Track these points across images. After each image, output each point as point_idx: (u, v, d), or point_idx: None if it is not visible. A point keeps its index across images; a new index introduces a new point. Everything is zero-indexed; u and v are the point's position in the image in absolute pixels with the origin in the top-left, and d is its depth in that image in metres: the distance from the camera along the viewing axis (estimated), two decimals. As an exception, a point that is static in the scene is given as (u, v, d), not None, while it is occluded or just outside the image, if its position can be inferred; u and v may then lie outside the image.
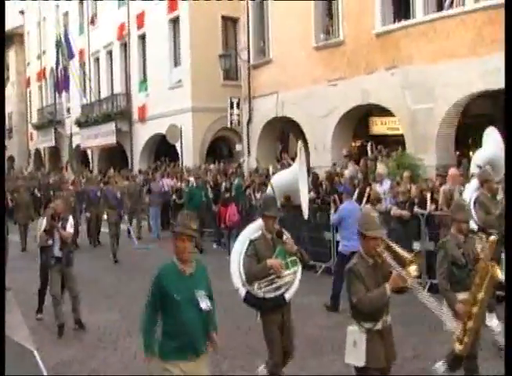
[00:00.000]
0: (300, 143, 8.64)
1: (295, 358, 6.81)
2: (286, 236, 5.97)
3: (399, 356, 6.89)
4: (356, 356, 4.72)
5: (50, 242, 8.31)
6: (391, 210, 10.80)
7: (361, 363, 4.69)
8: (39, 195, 22.84)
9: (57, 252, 8.32)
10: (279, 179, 8.01)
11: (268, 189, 7.79)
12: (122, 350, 7.46)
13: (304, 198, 8.03)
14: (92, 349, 7.50)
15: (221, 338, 7.64)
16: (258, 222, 6.14)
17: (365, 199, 11.42)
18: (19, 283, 11.54)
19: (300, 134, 20.61)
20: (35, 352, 7.33)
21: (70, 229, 8.50)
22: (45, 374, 6.58)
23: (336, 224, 9.94)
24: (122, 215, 15.33)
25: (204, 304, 4.45)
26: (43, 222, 8.55)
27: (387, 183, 11.49)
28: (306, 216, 8.16)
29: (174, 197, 17.51)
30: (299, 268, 5.95)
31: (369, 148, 14.81)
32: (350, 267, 4.73)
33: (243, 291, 5.97)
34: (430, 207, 10.17)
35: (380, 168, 12.11)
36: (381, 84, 15.13)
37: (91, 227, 16.62)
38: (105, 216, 15.19)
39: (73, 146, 35.15)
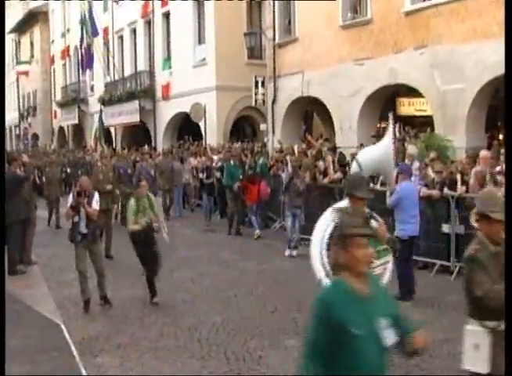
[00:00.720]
0: (391, 115, 7.98)
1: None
2: (378, 221, 5.28)
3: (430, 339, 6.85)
4: (478, 362, 3.98)
5: (76, 219, 8.16)
6: (419, 191, 10.61)
7: (485, 370, 3.96)
8: (69, 172, 22.68)
9: (83, 229, 8.18)
10: (367, 155, 7.37)
11: (354, 167, 7.11)
12: (149, 326, 7.44)
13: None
14: (118, 325, 7.49)
15: (247, 318, 7.71)
16: (341, 205, 5.41)
17: (393, 179, 11.24)
18: (44, 258, 11.64)
19: (325, 114, 20.42)
20: (62, 326, 7.35)
21: (95, 205, 8.37)
22: (73, 347, 6.58)
23: (393, 206, 8.73)
24: (156, 192, 14.54)
25: (390, 339, 3.00)
26: (69, 199, 8.42)
27: (415, 164, 11.27)
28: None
29: (201, 176, 16.72)
30: (391, 258, 5.29)
31: (396, 129, 14.53)
32: (470, 255, 4.04)
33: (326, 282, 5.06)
34: (460, 188, 9.96)
35: (411, 148, 11.87)
36: (410, 63, 14.85)
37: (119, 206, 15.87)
38: None
39: (97, 123, 35.36)
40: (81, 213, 8.16)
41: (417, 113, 17.07)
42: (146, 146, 25.15)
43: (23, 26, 46.92)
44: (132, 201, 8.53)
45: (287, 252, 11.72)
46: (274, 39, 20.06)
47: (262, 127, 21.46)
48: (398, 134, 14.27)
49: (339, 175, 12.57)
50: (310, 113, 22.88)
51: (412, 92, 15.90)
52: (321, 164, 13.19)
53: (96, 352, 6.51)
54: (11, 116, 52.69)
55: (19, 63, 47.48)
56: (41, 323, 7.62)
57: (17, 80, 48.59)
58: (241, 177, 14.45)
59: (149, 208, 8.53)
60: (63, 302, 8.56)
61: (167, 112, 27.11)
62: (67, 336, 6.98)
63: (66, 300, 8.68)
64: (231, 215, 14.51)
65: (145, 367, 6.10)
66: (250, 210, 14.29)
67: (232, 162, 14.81)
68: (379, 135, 15.03)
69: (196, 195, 18.72)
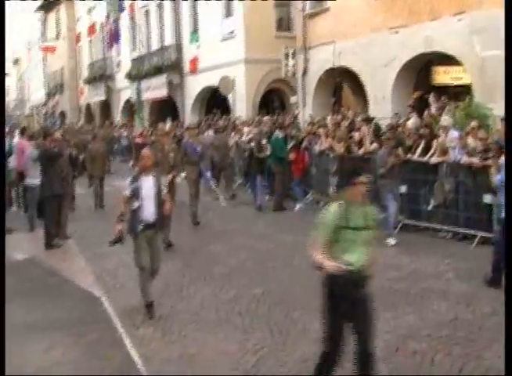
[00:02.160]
0: None
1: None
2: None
3: (477, 311, 6.67)
4: None
5: (137, 204, 6.73)
6: (459, 161, 10.32)
7: None
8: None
9: (148, 216, 6.75)
10: None
11: None
12: (188, 299, 7.37)
13: None
14: (158, 297, 7.41)
15: (288, 290, 7.58)
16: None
17: (431, 151, 10.96)
18: (79, 233, 11.64)
19: (356, 85, 20.02)
20: (102, 299, 7.31)
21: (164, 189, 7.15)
22: (114, 319, 6.54)
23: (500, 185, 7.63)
24: (204, 172, 13.30)
25: None
26: (127, 181, 6.93)
27: (454, 134, 10.94)
28: None
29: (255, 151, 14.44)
30: None
31: (430, 99, 14.15)
32: None
33: None
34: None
35: (446, 120, 11.52)
36: (447, 30, 14.37)
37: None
38: (183, 174, 12.93)
39: (124, 99, 35.32)
40: (143, 197, 6.71)
41: (453, 82, 16.59)
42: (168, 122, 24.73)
43: (50, 4, 46.84)
44: (333, 212, 4.56)
45: (392, 241, 10.05)
46: (304, 9, 19.64)
47: (292, 99, 21.17)
48: (434, 106, 13.90)
49: (375, 146, 12.27)
50: (339, 85, 22.48)
51: (447, 60, 15.43)
52: (356, 134, 12.90)
53: (138, 325, 6.46)
54: (38, 95, 53.05)
55: (45, 40, 47.53)
56: (80, 295, 7.60)
57: (44, 58, 48.71)
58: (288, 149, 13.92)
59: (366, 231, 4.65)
60: (101, 275, 8.52)
61: (194, 86, 26.90)
62: (109, 308, 6.94)
63: (104, 273, 8.64)
64: (278, 189, 14.03)
65: (187, 339, 6.03)
66: (295, 182, 14.07)
67: (279, 134, 14.15)
68: (415, 106, 14.72)
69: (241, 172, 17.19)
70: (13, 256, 9.96)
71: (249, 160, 14.63)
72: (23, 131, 14.28)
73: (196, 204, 12.19)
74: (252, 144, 14.53)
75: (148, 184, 6.78)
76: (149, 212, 6.74)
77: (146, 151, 7.06)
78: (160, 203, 6.85)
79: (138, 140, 14.98)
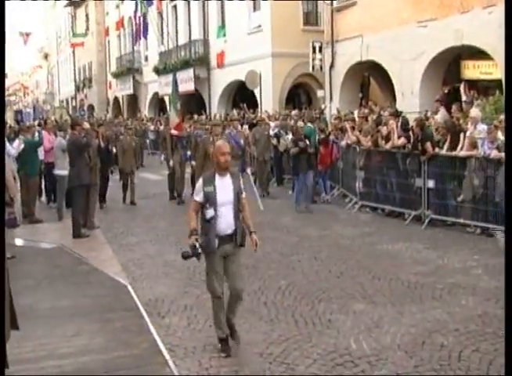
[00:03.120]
0: None
1: (394, 304, 6.58)
2: None
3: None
4: None
5: (211, 213, 5.29)
6: (488, 156, 10.17)
7: None
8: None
9: (224, 228, 5.34)
10: None
11: None
12: (213, 289, 7.36)
13: None
14: (184, 287, 7.45)
15: (313, 282, 7.55)
16: None
17: (460, 145, 10.82)
18: (106, 223, 11.76)
19: (383, 79, 19.87)
20: (129, 287, 7.37)
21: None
22: (141, 307, 6.58)
23: None
24: (245, 166, 13.05)
25: None
26: (198, 186, 5.48)
27: (482, 127, 10.78)
28: None
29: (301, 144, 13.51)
30: None
31: (462, 90, 13.96)
32: None
33: None
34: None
35: (474, 111, 11.37)
36: (477, 24, 14.19)
37: (195, 179, 12.91)
38: None
39: (151, 93, 35.52)
40: (219, 203, 5.30)
41: (482, 77, 16.36)
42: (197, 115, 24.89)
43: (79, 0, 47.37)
44: None
45: None
46: (332, 3, 19.53)
47: (319, 93, 21.09)
48: (463, 95, 13.73)
49: (403, 140, 12.15)
50: (366, 79, 22.34)
51: (477, 54, 15.24)
52: (384, 129, 12.79)
53: (163, 313, 6.48)
54: (67, 88, 53.64)
55: (75, 35, 48.07)
56: (108, 283, 7.66)
57: (73, 53, 49.26)
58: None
59: None
60: (127, 265, 8.58)
61: (221, 80, 26.98)
62: (135, 297, 6.98)
63: (130, 262, 8.71)
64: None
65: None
66: (322, 174, 13.99)
67: (311, 127, 13.85)
68: (443, 100, 14.54)
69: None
70: (42, 245, 10.11)
71: (291, 157, 13.56)
72: (41, 124, 14.36)
73: None
74: (287, 140, 14.32)
75: (225, 187, 5.36)
76: (226, 222, 5.36)
77: (222, 144, 5.57)
78: (239, 209, 5.48)
79: (175, 132, 14.35)
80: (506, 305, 3.49)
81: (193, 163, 13.15)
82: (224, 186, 5.35)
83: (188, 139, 14.51)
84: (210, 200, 5.29)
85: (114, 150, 14.38)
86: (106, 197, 13.88)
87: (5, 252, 3.62)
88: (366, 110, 15.56)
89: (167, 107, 33.61)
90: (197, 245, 5.23)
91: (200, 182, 5.46)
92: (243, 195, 5.55)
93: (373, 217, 12.14)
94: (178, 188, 14.27)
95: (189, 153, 14.11)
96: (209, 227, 5.30)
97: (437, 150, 11.07)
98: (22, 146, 11.66)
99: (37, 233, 10.88)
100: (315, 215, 12.35)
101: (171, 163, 14.26)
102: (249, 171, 13.57)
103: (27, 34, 48.27)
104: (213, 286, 5.41)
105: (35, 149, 12.19)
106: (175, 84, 15.64)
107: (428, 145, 10.90)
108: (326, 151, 13.74)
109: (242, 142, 12.79)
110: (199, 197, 5.37)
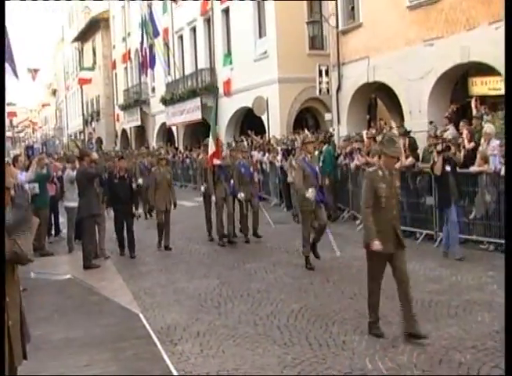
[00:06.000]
0: None
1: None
2: None
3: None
4: None
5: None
6: (499, 171, 10.07)
7: None
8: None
9: None
10: None
11: None
12: (225, 314, 7.28)
13: None
14: (195, 314, 7.37)
15: (326, 304, 7.45)
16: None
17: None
18: (115, 253, 11.68)
19: (390, 101, 19.87)
20: (141, 316, 7.30)
21: None
22: (153, 335, 6.51)
23: None
24: (257, 193, 13.00)
25: None
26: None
27: (495, 142, 10.70)
28: None
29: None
30: None
31: (473, 104, 13.86)
32: None
33: None
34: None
35: (488, 127, 11.30)
36: (484, 40, 14.08)
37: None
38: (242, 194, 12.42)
39: (159, 124, 35.75)
40: None
41: (491, 93, 16.29)
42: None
43: (86, 34, 48.05)
44: None
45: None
46: (337, 26, 19.65)
47: (327, 116, 21.09)
48: (475, 110, 13.64)
49: (411, 160, 12.09)
50: (374, 100, 22.37)
51: (484, 70, 15.18)
52: (392, 149, 12.71)
53: (176, 341, 6.40)
54: (76, 122, 54.12)
55: (82, 69, 48.68)
56: (119, 313, 7.60)
57: (81, 87, 49.82)
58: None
59: None
60: (138, 294, 8.52)
61: (229, 107, 27.08)
62: (147, 325, 6.91)
63: (141, 291, 8.64)
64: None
65: (226, 354, 5.94)
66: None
67: (329, 149, 14.16)
68: (452, 117, 14.46)
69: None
70: (53, 277, 10.07)
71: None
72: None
73: (254, 222, 12.72)
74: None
75: None
76: None
77: None
78: None
79: (217, 162, 12.41)
80: (506, 304, 3.40)
81: (202, 189, 12.75)
82: None
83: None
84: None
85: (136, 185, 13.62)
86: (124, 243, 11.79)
87: (5, 255, 3.54)
88: (374, 131, 15.49)
89: (175, 137, 33.94)
90: None
91: None
92: None
93: (385, 238, 12.00)
94: (221, 228, 12.35)
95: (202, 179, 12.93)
96: None
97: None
98: (36, 187, 11.49)
99: (48, 266, 10.84)
100: (326, 238, 12.23)
101: (213, 198, 12.38)
102: (256, 199, 12.95)
103: (36, 70, 48.84)
104: None
105: (45, 182, 12.19)
106: (216, 102, 15.30)
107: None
108: None
109: (251, 169, 12.82)
110: None
